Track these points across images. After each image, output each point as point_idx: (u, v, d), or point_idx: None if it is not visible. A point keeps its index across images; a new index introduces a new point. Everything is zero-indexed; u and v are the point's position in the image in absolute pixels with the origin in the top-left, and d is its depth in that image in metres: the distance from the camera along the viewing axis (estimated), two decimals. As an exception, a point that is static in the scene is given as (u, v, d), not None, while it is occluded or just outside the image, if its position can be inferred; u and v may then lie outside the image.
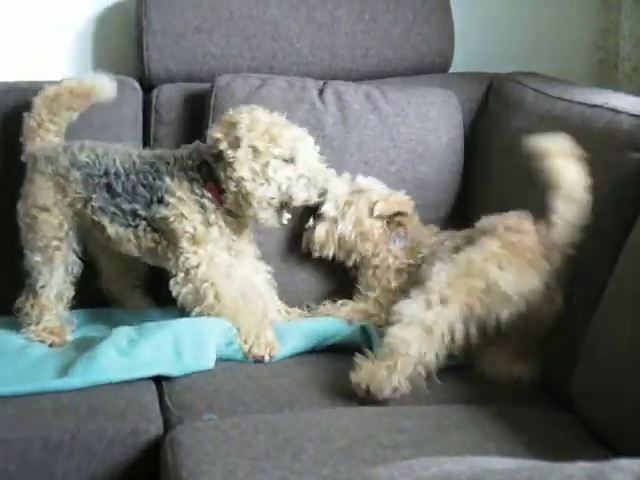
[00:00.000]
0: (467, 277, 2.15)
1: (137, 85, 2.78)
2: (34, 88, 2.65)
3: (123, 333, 2.35)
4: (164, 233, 2.40)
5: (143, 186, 2.40)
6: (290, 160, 2.36)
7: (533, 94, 2.66)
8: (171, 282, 2.39)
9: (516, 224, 2.22)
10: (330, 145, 2.67)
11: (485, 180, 2.69)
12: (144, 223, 2.41)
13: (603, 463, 1.02)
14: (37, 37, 2.90)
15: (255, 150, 2.32)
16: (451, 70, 2.99)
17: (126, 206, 2.41)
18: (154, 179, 2.39)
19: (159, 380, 2.26)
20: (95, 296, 2.62)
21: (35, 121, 2.52)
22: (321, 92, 2.73)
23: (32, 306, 2.48)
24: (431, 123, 2.72)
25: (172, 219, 2.37)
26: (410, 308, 2.15)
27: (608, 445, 1.92)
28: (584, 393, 2.07)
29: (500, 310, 2.13)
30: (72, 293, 2.52)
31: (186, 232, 2.36)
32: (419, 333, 2.11)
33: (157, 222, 2.40)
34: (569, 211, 2.15)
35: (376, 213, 2.52)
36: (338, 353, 2.34)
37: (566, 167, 2.15)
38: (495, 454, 1.76)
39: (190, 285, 2.37)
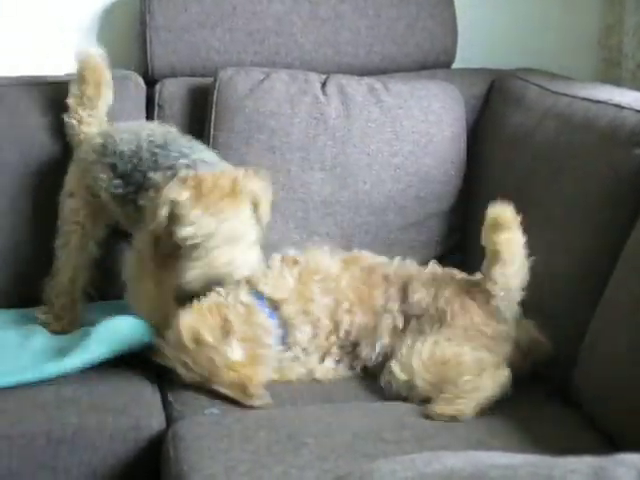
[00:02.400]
0: None
1: (140, 80, 2.78)
2: (38, 82, 2.66)
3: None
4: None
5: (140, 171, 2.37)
6: None
7: (536, 90, 2.66)
8: None
9: None
10: (333, 137, 2.67)
11: (487, 175, 2.69)
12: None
13: (606, 458, 1.02)
14: (41, 32, 2.89)
15: None
16: (454, 66, 2.99)
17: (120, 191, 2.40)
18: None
19: (161, 375, 2.26)
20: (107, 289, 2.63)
21: (75, 119, 2.56)
22: (324, 85, 2.73)
23: (51, 288, 2.52)
24: (434, 116, 2.72)
25: None
26: None
27: (612, 441, 1.92)
28: (586, 389, 2.07)
29: None
30: (87, 279, 2.54)
31: None
32: None
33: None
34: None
35: None
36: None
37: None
38: (498, 450, 1.76)
39: None
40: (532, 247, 2.23)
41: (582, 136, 2.34)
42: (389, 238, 2.69)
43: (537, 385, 2.19)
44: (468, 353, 2.10)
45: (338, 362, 2.25)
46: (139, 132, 2.44)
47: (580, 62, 3.13)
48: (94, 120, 2.56)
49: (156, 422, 2.08)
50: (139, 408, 2.11)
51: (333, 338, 2.24)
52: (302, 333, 2.22)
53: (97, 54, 2.58)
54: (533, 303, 2.20)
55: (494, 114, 2.78)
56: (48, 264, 2.57)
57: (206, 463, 1.82)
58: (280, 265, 2.28)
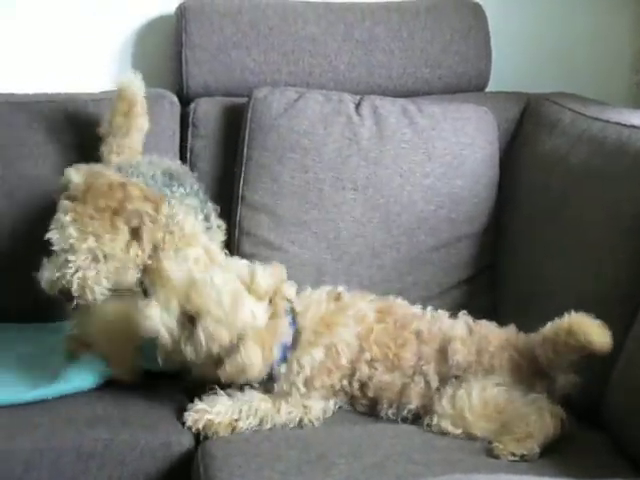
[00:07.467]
0: None
1: (175, 99, 2.80)
2: (73, 100, 2.69)
3: None
4: None
5: None
6: None
7: (569, 114, 2.65)
8: None
9: None
10: (366, 158, 2.68)
11: (519, 198, 2.68)
12: None
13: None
14: (78, 50, 2.91)
15: None
16: (488, 89, 2.99)
17: None
18: None
19: (191, 392, 2.26)
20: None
21: (105, 148, 2.58)
22: (358, 106, 2.74)
23: None
24: (467, 138, 2.72)
25: None
26: None
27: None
28: (616, 414, 2.06)
29: None
30: None
31: None
32: None
33: None
34: None
35: None
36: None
37: None
38: (527, 473, 1.76)
39: None
40: (565, 271, 2.23)
41: (615, 160, 2.34)
42: (419, 258, 2.69)
43: (566, 409, 2.18)
44: (520, 396, 2.08)
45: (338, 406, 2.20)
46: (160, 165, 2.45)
47: (613, 87, 3.13)
48: (125, 149, 2.56)
49: (186, 440, 2.09)
50: (169, 425, 2.11)
51: (345, 382, 2.17)
52: (312, 358, 2.13)
53: (132, 82, 2.58)
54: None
55: (527, 138, 2.77)
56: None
57: (237, 482, 1.83)
58: (323, 295, 2.23)
